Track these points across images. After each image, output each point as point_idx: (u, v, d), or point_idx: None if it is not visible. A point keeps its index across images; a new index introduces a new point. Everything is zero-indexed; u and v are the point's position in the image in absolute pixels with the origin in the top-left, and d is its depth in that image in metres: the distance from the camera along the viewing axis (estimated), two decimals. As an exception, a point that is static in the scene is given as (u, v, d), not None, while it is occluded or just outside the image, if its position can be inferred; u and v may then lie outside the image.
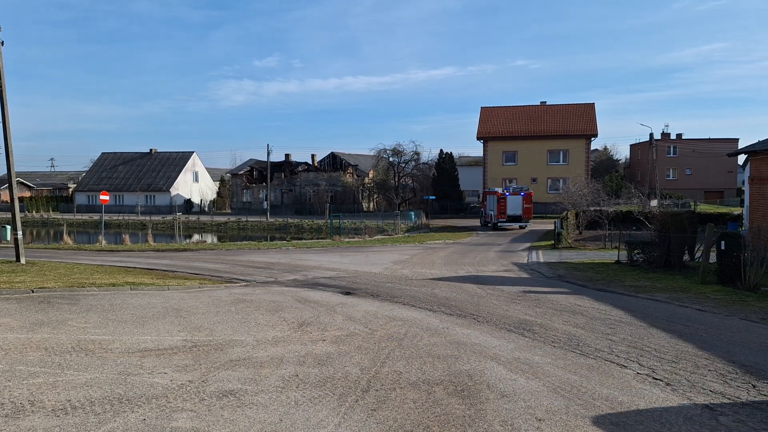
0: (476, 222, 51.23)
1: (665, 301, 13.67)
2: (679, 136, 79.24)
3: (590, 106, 61.40)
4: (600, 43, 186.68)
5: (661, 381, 7.26)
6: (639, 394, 6.74)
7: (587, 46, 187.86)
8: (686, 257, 19.93)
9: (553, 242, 30.60)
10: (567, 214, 35.05)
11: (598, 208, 36.00)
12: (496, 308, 12.35)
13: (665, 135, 78.29)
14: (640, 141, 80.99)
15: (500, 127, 61.51)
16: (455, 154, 68.71)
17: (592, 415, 5.99)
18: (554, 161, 59.53)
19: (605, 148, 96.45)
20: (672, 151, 77.30)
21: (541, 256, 25.08)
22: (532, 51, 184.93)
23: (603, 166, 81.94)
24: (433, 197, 58.96)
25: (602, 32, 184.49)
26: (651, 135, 60.73)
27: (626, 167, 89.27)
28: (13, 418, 5.65)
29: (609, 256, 24.30)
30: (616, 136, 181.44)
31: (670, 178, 76.41)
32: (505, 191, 44.82)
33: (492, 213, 44.43)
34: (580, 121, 59.98)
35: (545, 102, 64.06)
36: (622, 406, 6.28)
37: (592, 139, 59.49)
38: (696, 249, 20.37)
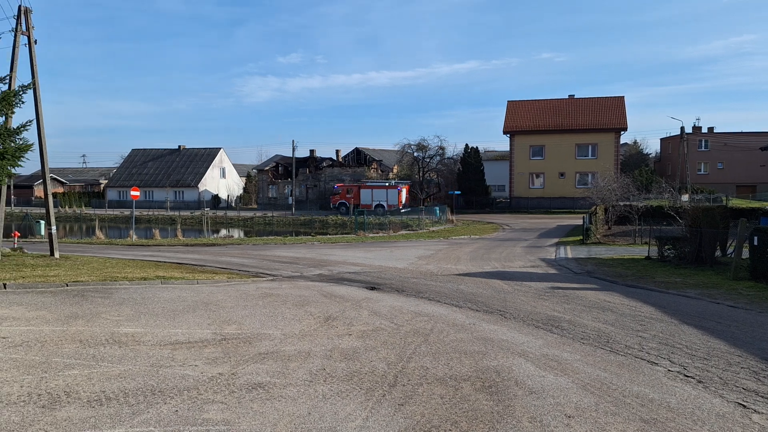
0: (502, 218, 50.93)
1: (697, 298, 13.43)
2: (710, 129, 77.52)
3: (620, 100, 60.45)
4: (626, 35, 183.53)
5: (693, 378, 7.15)
6: (670, 391, 6.65)
7: (613, 38, 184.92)
8: (718, 253, 19.54)
9: (581, 237, 30.25)
10: (596, 209, 34.60)
11: (627, 203, 35.41)
12: (523, 304, 12.27)
13: (696, 128, 76.71)
14: (671, 135, 79.56)
15: (527, 120, 60.92)
16: (481, 148, 68.07)
17: (623, 413, 5.92)
18: (583, 155, 58.79)
19: (635, 142, 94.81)
20: (703, 145, 75.68)
21: (569, 252, 24.82)
22: (557, 44, 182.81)
23: (632, 160, 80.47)
24: (459, 192, 58.68)
25: (628, 24, 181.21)
26: (682, 129, 59.64)
27: (656, 161, 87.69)
28: (50, 409, 5.80)
29: (639, 251, 23.95)
30: (646, 129, 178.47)
31: (702, 172, 74.81)
32: (398, 185, 57.11)
33: (384, 203, 55.63)
34: (609, 114, 59.08)
35: (573, 95, 63.24)
36: (653, 404, 6.20)
37: (622, 132, 58.59)
38: (728, 244, 19.97)
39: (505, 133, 60.73)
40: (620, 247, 26.51)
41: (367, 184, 59.22)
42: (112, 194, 78.59)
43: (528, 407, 6.05)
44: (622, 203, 35.89)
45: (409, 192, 58.79)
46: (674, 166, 71.58)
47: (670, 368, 7.58)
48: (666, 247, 20.57)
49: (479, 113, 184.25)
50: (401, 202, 56.21)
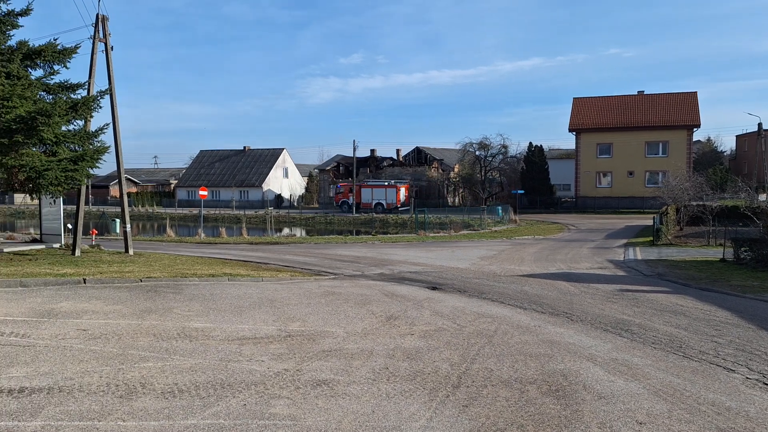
0: (568, 218, 49.81)
1: (778, 303, 12.71)
2: (792, 125, 73.10)
3: (692, 95, 57.95)
4: (699, 28, 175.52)
5: (775, 388, 6.77)
6: (749, 399, 6.32)
7: (685, 31, 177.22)
8: (801, 256, 18.44)
9: (651, 239, 29.20)
10: (667, 209, 33.31)
11: (700, 203, 33.92)
12: (590, 307, 11.95)
13: (776, 124, 72.50)
14: (748, 131, 75.63)
15: (594, 118, 59.25)
16: (545, 146, 66.76)
17: (698, 421, 5.67)
18: (653, 153, 56.70)
19: (708, 140, 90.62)
20: (784, 142, 71.44)
21: (638, 253, 24.00)
22: (625, 39, 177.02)
23: (706, 158, 76.92)
24: (522, 191, 57.66)
25: (701, 17, 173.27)
26: (759, 125, 56.75)
27: (732, 159, 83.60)
28: (127, 399, 6.07)
29: (713, 253, 22.90)
30: (721, 126, 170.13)
31: (782, 170, 70.68)
32: (397, 184, 59.97)
33: (383, 201, 58.48)
34: (680, 110, 56.74)
35: (643, 91, 61.08)
36: (731, 412, 5.91)
37: (695, 129, 56.16)
38: (813, 247, 18.81)
39: (570, 130, 59.30)
40: (693, 249, 25.42)
41: (368, 183, 62.29)
42: (181, 194, 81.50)
43: (597, 412, 5.88)
44: (694, 203, 34.42)
45: (408, 191, 61.98)
46: (751, 165, 67.92)
47: (748, 375, 7.22)
48: (742, 249, 19.61)
49: (543, 111, 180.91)
50: (399, 200, 58.92)
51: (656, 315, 11.13)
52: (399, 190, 59.56)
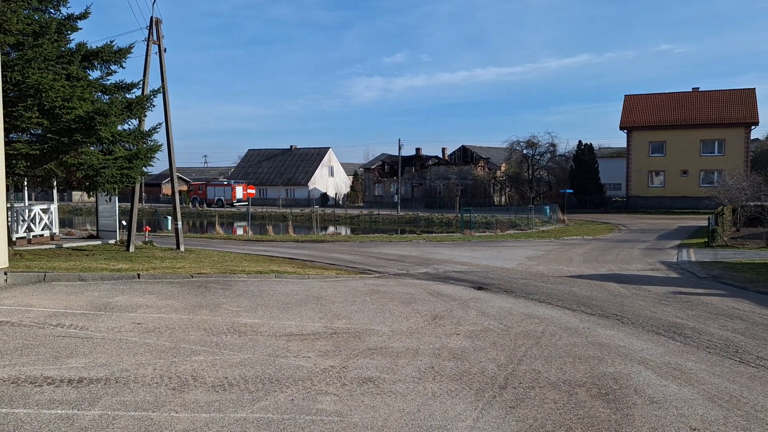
0: (618, 218, 48.71)
1: (843, 309, 12.11)
2: None
3: (750, 92, 55.74)
4: (757, 22, 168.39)
5: (840, 397, 6.46)
6: (813, 410, 6.05)
7: (741, 26, 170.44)
8: None
9: (706, 240, 28.22)
10: (722, 209, 32.15)
11: (758, 204, 32.61)
12: (642, 309, 11.65)
13: (843, 121, 69.15)
14: (811, 128, 72.26)
15: (646, 115, 57.67)
16: (595, 145, 65.25)
17: (755, 428, 5.47)
18: (708, 152, 54.84)
19: (767, 138, 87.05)
20: None
21: (692, 255, 23.23)
22: (676, 34, 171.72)
23: (765, 157, 73.76)
24: (571, 191, 56.57)
25: (757, 10, 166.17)
26: (825, 121, 53.99)
27: (793, 158, 79.97)
28: (180, 392, 6.25)
29: (772, 256, 21.97)
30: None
31: None
32: (233, 183, 71.69)
33: (223, 198, 70.26)
34: (737, 108, 54.67)
35: (698, 88, 59.10)
36: (793, 423, 5.67)
37: (753, 127, 54.06)
38: None
39: (621, 128, 57.85)
40: (750, 251, 24.45)
41: (211, 183, 75.35)
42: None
43: (648, 417, 5.73)
44: (752, 203, 33.11)
45: (245, 189, 71.65)
46: (815, 163, 64.94)
47: (812, 385, 6.91)
48: (806, 251, 18.74)
49: (592, 108, 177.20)
50: (235, 197, 69.98)
51: (711, 318, 10.77)
52: (235, 188, 70.76)
